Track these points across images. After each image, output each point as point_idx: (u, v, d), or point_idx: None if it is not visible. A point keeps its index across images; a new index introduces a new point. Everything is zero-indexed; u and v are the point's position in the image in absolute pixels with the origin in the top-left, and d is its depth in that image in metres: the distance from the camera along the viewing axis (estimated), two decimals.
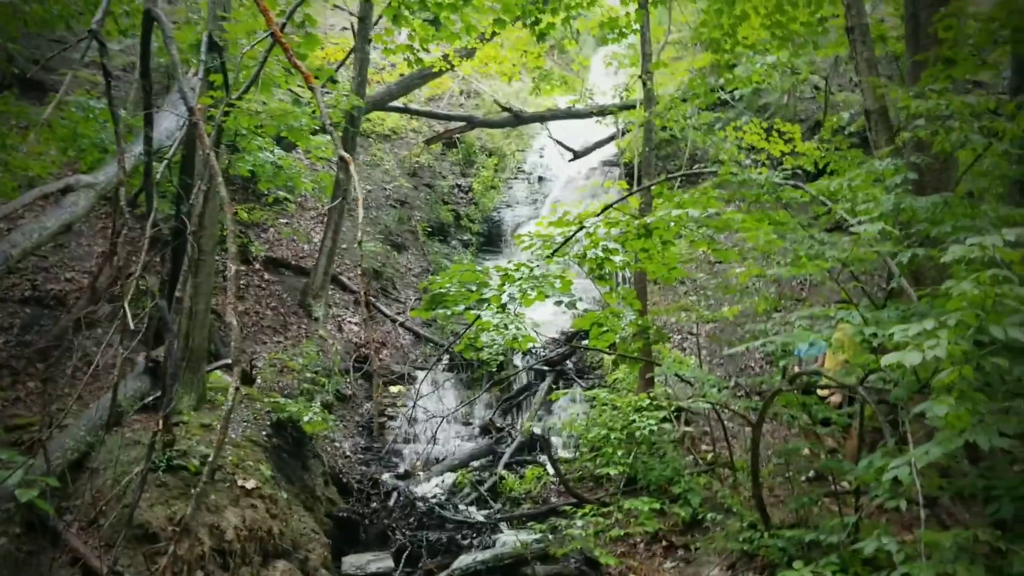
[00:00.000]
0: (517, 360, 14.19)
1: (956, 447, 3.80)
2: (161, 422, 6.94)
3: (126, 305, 5.60)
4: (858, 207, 5.80)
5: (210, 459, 6.20)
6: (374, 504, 10.41)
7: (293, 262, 14.61)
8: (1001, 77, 12.16)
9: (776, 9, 10.19)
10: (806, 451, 7.79)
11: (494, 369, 12.50)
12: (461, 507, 10.51)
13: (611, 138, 19.42)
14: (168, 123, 11.24)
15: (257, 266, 13.73)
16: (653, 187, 10.35)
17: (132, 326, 5.64)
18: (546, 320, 14.69)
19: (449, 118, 20.40)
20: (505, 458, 11.61)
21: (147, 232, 6.26)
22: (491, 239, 19.95)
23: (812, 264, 5.49)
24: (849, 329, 7.31)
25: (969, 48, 6.27)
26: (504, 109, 19.50)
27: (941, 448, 3.70)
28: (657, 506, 8.11)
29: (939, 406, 3.57)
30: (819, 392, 7.93)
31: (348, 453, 11.60)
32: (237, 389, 6.18)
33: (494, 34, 14.16)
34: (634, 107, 14.82)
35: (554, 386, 13.34)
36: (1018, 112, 4.99)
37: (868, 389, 5.51)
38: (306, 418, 9.40)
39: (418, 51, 9.66)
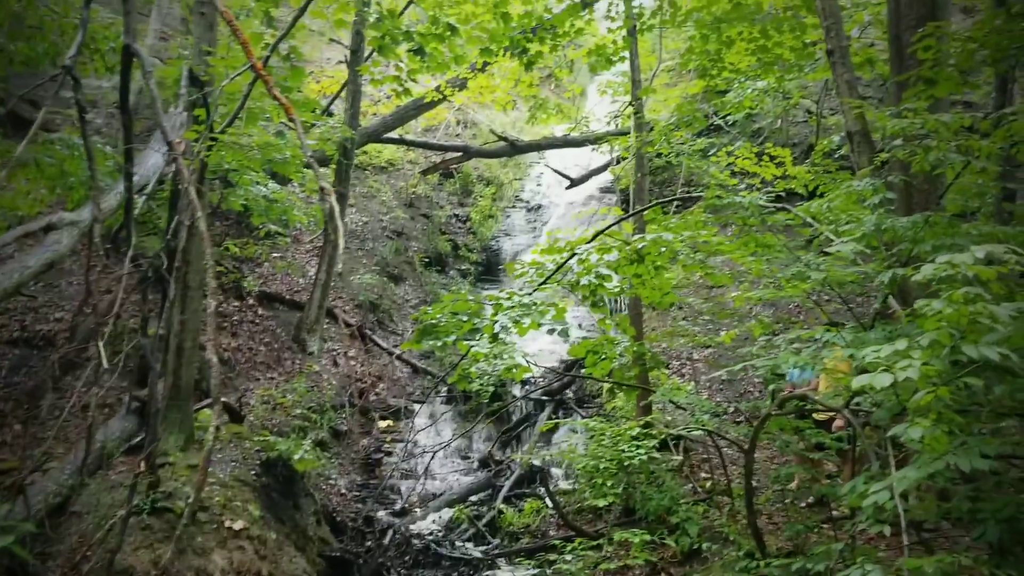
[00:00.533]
0: (516, 391, 14.11)
1: (938, 470, 3.73)
2: (144, 463, 6.90)
3: (100, 345, 5.58)
4: (841, 228, 5.77)
5: (190, 500, 6.14)
6: (368, 543, 10.30)
7: (287, 296, 14.60)
8: (991, 97, 12.17)
9: (761, 35, 10.24)
10: (799, 477, 7.70)
11: (487, 400, 12.43)
12: (458, 544, 10.41)
13: (607, 165, 19.49)
14: (155, 160, 11.31)
15: (251, 301, 13.72)
16: (646, 212, 10.34)
17: (107, 365, 5.61)
18: (545, 349, 14.64)
19: (445, 148, 20.50)
20: (504, 492, 11.51)
21: (125, 269, 6.24)
22: (490, 268, 19.95)
23: (792, 287, 5.45)
24: (842, 352, 7.27)
25: (951, 68, 6.27)
26: (500, 138, 19.60)
27: (921, 472, 3.63)
28: (648, 537, 7.99)
29: (914, 429, 3.51)
30: (817, 416, 7.85)
31: (343, 491, 11.51)
32: (218, 428, 6.15)
33: (486, 64, 14.23)
34: (628, 134, 14.86)
35: (554, 416, 13.24)
36: (993, 130, 4.98)
37: (856, 412, 5.45)
38: (297, 456, 9.33)
39: (405, 81, 9.70)
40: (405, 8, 13.55)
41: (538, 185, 22.92)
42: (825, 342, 5.48)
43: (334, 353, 14.20)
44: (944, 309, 3.49)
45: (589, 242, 8.43)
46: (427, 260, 18.80)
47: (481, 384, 10.66)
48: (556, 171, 20.39)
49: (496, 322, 7.60)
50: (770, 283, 6.28)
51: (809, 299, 6.14)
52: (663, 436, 8.81)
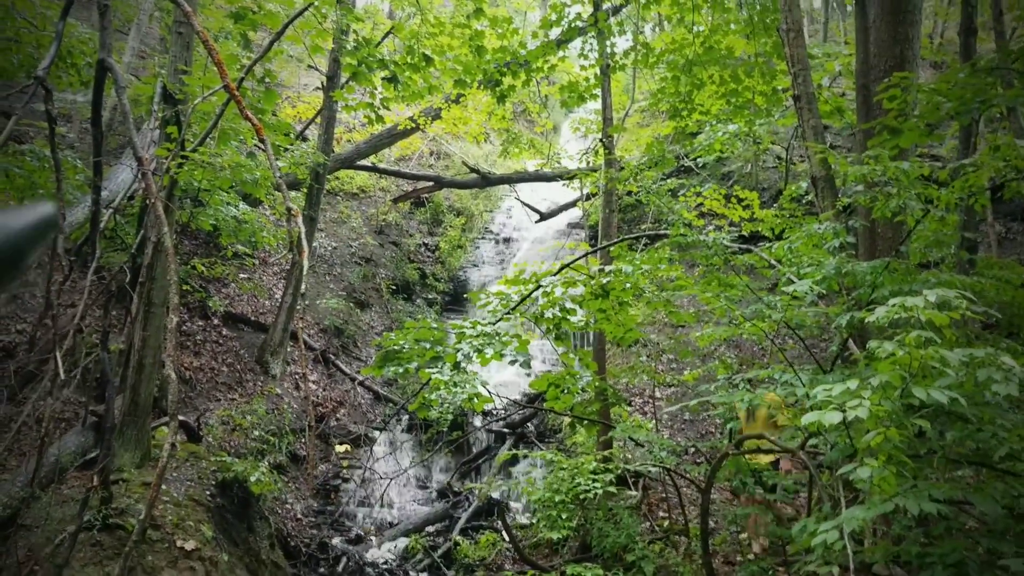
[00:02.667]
0: (477, 421, 14.05)
1: (888, 511, 3.76)
2: (97, 479, 6.76)
3: (58, 357, 5.48)
4: (804, 270, 5.85)
5: (141, 517, 6.02)
6: (322, 569, 10.15)
7: (253, 318, 14.47)
8: (959, 150, 12.47)
9: (731, 78, 10.42)
10: (755, 518, 7.71)
11: (446, 429, 12.36)
12: (412, 574, 10.28)
13: (577, 201, 19.67)
14: (125, 175, 11.23)
15: (215, 321, 13.58)
16: (613, 249, 10.43)
17: (64, 377, 5.51)
18: (508, 381, 14.62)
19: (417, 178, 20.57)
20: (461, 523, 11.40)
21: (87, 282, 6.15)
22: (457, 298, 19.94)
23: (751, 326, 5.50)
24: (773, 396, 7.38)
25: (916, 119, 6.41)
26: (472, 170, 19.72)
27: (869, 512, 3.66)
28: (602, 574, 7.94)
29: (863, 469, 3.54)
30: (758, 461, 7.89)
31: (299, 515, 11.35)
32: (173, 446, 6.05)
33: (460, 96, 14.34)
34: (599, 171, 15.02)
35: (514, 449, 13.18)
36: (951, 180, 5.09)
37: (813, 454, 5.49)
38: (253, 478, 9.20)
39: (379, 108, 9.74)
40: (384, 38, 13.65)
41: (508, 218, 23.04)
42: (782, 382, 5.53)
43: (296, 376, 14.07)
44: (896, 351, 3.54)
45: (555, 275, 8.47)
46: (394, 287, 18.76)
47: (440, 412, 10.60)
48: (526, 205, 20.55)
49: (459, 350, 7.59)
50: (732, 322, 6.33)
51: (767, 339, 6.19)
52: (620, 471, 8.80)
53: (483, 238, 22.15)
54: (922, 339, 3.46)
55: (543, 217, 20.40)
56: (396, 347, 7.90)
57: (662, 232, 9.37)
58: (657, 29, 22.45)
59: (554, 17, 10.48)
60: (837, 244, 5.35)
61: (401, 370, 7.69)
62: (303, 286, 6.01)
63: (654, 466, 8.33)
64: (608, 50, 10.45)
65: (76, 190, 10.69)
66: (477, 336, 7.51)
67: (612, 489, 8.54)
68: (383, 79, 8.76)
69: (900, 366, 3.64)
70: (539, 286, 8.31)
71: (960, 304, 3.51)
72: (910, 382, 3.54)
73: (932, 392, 3.38)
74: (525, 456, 12.45)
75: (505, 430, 13.72)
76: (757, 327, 5.44)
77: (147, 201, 8.61)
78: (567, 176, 16.80)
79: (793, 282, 5.74)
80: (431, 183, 20.15)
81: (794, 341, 11.86)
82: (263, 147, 6.56)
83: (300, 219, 6.26)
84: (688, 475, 8.62)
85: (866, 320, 3.86)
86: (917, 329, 3.65)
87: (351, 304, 17.05)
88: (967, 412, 3.96)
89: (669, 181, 14.22)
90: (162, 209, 6.60)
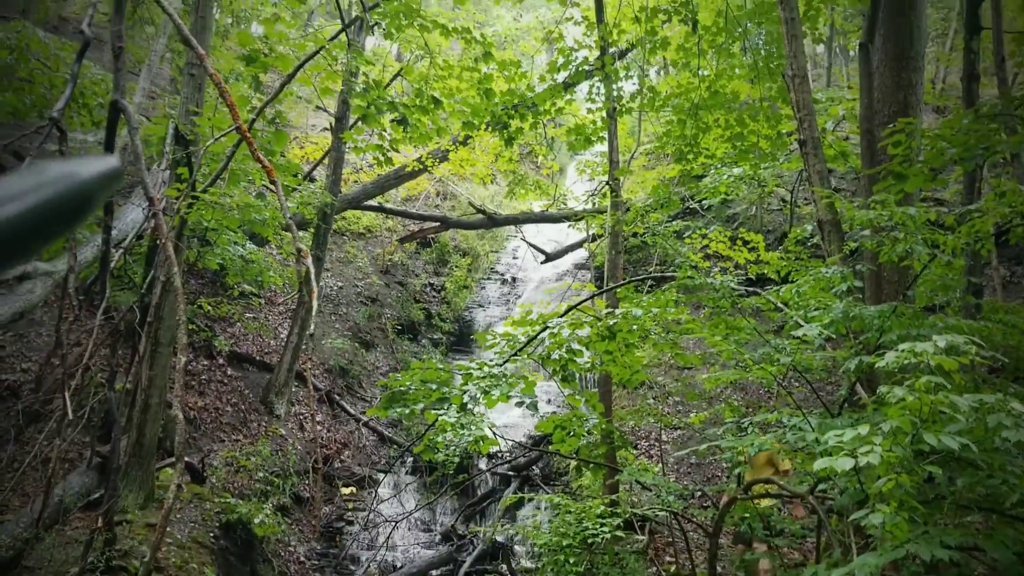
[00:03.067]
0: (482, 464, 13.99)
1: (898, 558, 3.74)
2: (101, 520, 6.74)
3: (67, 397, 5.50)
4: (811, 314, 5.86)
5: (145, 559, 5.99)
6: None
7: (258, 357, 14.49)
8: (963, 195, 12.56)
9: (736, 123, 10.53)
10: (765, 563, 7.64)
11: (452, 471, 12.29)
12: None
13: (583, 242, 19.73)
14: (135, 215, 11.32)
15: (220, 361, 13.60)
16: (619, 290, 10.45)
17: (71, 416, 5.52)
18: (513, 423, 14.56)
19: (423, 218, 20.69)
20: (465, 567, 11.29)
21: (97, 321, 6.19)
22: (462, 338, 19.95)
23: (759, 369, 5.50)
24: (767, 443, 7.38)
25: (920, 164, 6.47)
26: (478, 211, 19.82)
27: (881, 558, 3.64)
28: None
29: (875, 515, 3.53)
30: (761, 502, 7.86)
31: (302, 558, 11.26)
32: (179, 487, 6.03)
33: (468, 138, 14.49)
34: (605, 212, 15.12)
35: (519, 492, 13.09)
36: (958, 225, 5.13)
37: (822, 499, 5.45)
38: (257, 520, 9.16)
39: (388, 151, 9.85)
40: (392, 80, 13.84)
41: (514, 258, 23.14)
42: (791, 426, 5.52)
43: (301, 417, 14.04)
44: (906, 397, 3.54)
45: (561, 316, 8.50)
46: (400, 327, 18.78)
47: (447, 455, 10.57)
48: (532, 245, 20.62)
49: (465, 392, 7.59)
50: (739, 365, 6.34)
51: (776, 383, 6.19)
52: (628, 515, 8.73)
53: (489, 279, 22.23)
54: (932, 384, 3.47)
55: (549, 258, 20.45)
56: (402, 388, 7.90)
57: (668, 275, 9.42)
58: (662, 72, 22.74)
59: (561, 61, 10.63)
60: (845, 288, 5.37)
61: (407, 411, 7.69)
62: (311, 326, 6.04)
63: (662, 510, 8.27)
64: (615, 94, 10.58)
65: (85, 229, 10.79)
66: (484, 378, 7.51)
67: (620, 534, 8.48)
68: (393, 121, 8.87)
69: (910, 411, 3.64)
70: (546, 327, 8.33)
71: (970, 350, 3.52)
72: (921, 428, 3.54)
73: (943, 438, 3.38)
74: (530, 499, 12.38)
75: (510, 473, 13.64)
76: (766, 370, 5.45)
77: (158, 241, 8.69)
78: (573, 217, 16.89)
79: (801, 325, 5.76)
80: (437, 223, 20.26)
81: (799, 384, 11.85)
82: (273, 188, 6.65)
83: (310, 260, 6.32)
84: (696, 519, 8.55)
85: (876, 365, 3.87)
86: (926, 374, 3.66)
87: (356, 344, 17.06)
88: (977, 458, 3.95)
89: (674, 223, 14.31)
90: (172, 249, 6.67)
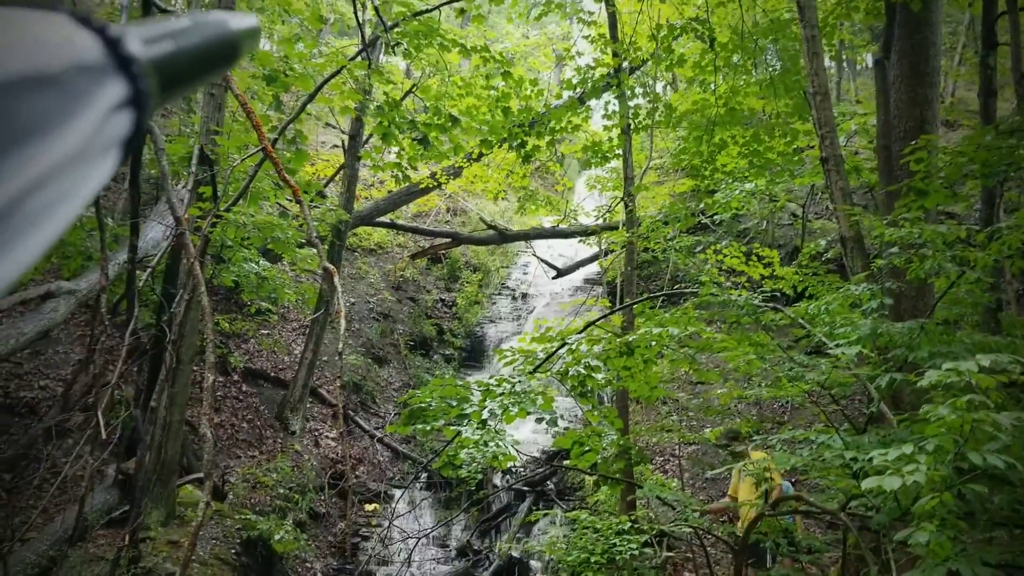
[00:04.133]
0: (496, 480, 13.98)
1: (939, 575, 3.74)
2: (128, 537, 6.75)
3: (100, 415, 5.52)
4: (836, 331, 5.88)
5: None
6: None
7: (272, 374, 14.52)
8: (973, 209, 12.58)
9: (753, 139, 10.56)
10: None
11: (473, 488, 12.28)
12: None
13: (594, 257, 19.76)
14: (154, 233, 11.37)
15: (235, 377, 13.63)
16: (635, 306, 10.46)
17: (104, 436, 5.54)
18: (527, 439, 14.54)
19: (435, 234, 20.74)
20: None
21: (126, 340, 6.22)
22: (474, 354, 19.96)
23: (791, 386, 5.52)
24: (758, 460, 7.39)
25: (940, 180, 6.50)
26: (489, 227, 19.86)
27: None
28: None
29: (921, 533, 3.54)
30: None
31: (319, 574, 11.24)
32: (208, 504, 6.05)
33: (481, 154, 14.55)
34: (617, 228, 15.15)
35: (534, 507, 13.07)
36: (988, 242, 5.15)
37: (852, 516, 5.45)
38: (277, 537, 9.16)
39: (406, 168, 9.89)
40: (404, 97, 13.89)
41: (524, 274, 23.16)
42: (820, 443, 5.52)
43: (316, 433, 14.05)
44: (948, 416, 3.55)
45: (580, 332, 8.52)
46: (412, 343, 18.80)
47: (468, 471, 10.56)
48: (543, 261, 20.65)
49: (485, 408, 7.61)
50: (765, 382, 6.35)
51: (809, 400, 6.20)
52: (653, 531, 8.73)
53: (500, 294, 22.26)
54: (975, 402, 3.48)
55: (560, 273, 20.49)
56: (423, 404, 7.90)
57: (686, 291, 9.43)
58: (668, 88, 22.79)
59: (577, 79, 10.68)
60: (875, 305, 5.39)
61: (428, 428, 7.70)
62: (341, 344, 6.07)
63: (686, 526, 8.26)
64: (630, 111, 10.62)
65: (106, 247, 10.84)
66: (507, 394, 7.52)
67: (648, 551, 8.48)
68: (413, 139, 8.93)
69: (949, 429, 3.65)
70: (564, 343, 8.35)
71: (1015, 369, 3.54)
72: (963, 446, 3.55)
73: (988, 457, 3.39)
74: (545, 515, 12.35)
75: (524, 488, 13.63)
76: (800, 387, 5.46)
77: (185, 260, 8.73)
78: (585, 233, 16.92)
79: (826, 343, 5.77)
80: (448, 239, 20.31)
81: (814, 401, 11.80)
82: (300, 207, 6.69)
83: (337, 278, 6.36)
84: (720, 535, 8.54)
85: (917, 384, 3.88)
86: (965, 391, 3.67)
87: (369, 360, 17.09)
88: (1016, 476, 3.96)
89: (686, 238, 14.33)
90: (198, 267, 6.71)
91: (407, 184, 15.84)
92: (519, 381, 7.89)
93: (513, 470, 13.91)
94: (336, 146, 21.75)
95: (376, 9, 8.44)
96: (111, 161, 0.42)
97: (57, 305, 9.11)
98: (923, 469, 3.42)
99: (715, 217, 14.18)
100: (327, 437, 14.16)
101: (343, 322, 6.03)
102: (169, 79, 0.46)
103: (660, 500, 10.53)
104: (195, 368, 10.31)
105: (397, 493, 13.30)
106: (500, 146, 11.40)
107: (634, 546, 7.99)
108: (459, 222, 23.34)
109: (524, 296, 22.11)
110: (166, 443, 8.51)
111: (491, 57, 9.34)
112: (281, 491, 11.33)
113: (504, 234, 19.77)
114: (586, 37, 10.95)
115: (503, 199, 21.20)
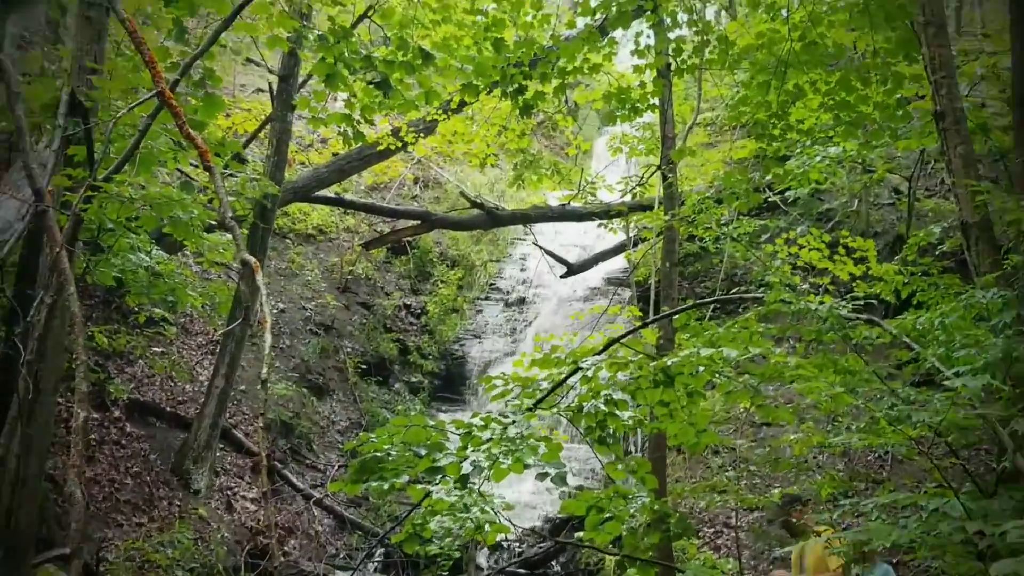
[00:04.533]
0: (481, 559, 13.98)
1: None
2: None
3: None
4: (955, 354, 5.87)
5: None
6: None
7: (168, 409, 14.50)
8: None
9: (840, 86, 10.51)
10: None
11: (447, 571, 12.26)
12: None
13: (619, 248, 19.71)
14: (6, 211, 11.31)
15: (117, 413, 13.59)
16: (676, 317, 10.45)
17: None
18: (524, 501, 14.56)
19: (398, 214, 20.71)
20: None
21: None
22: (450, 382, 19.99)
23: (893, 432, 5.50)
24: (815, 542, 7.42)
25: None
26: (474, 205, 19.79)
27: None
28: None
29: None
30: None
31: None
32: None
33: (463, 104, 14.51)
34: (651, 208, 15.13)
35: None
36: None
37: None
38: None
39: (359, 122, 9.87)
40: (357, 23, 13.79)
41: (522, 271, 23.15)
42: (931, 510, 5.51)
43: (229, 493, 14.04)
44: None
45: (599, 353, 8.49)
46: (364, 367, 18.80)
47: (442, 547, 10.53)
48: (548, 252, 20.58)
49: (466, 458, 7.58)
50: (856, 425, 6.33)
51: (917, 451, 6.18)
52: None
53: (487, 298, 22.26)
54: None
55: (572, 270, 20.41)
56: (379, 453, 7.86)
57: (746, 296, 9.42)
58: (725, 15, 22.80)
59: (596, 0, 10.63)
60: (1009, 319, 5.40)
61: (386, 486, 7.65)
62: (265, 368, 6.05)
63: None
64: (671, 45, 10.59)
65: None
66: (496, 440, 7.50)
67: None
68: (368, 83, 8.91)
69: None
70: (578, 368, 8.31)
71: None
72: None
73: None
74: None
75: (521, 570, 13.64)
76: (904, 432, 5.45)
77: (38, 249, 8.71)
78: (607, 215, 16.84)
79: (941, 371, 5.76)
80: (417, 222, 20.27)
81: (922, 450, 11.76)
82: (209, 175, 6.67)
83: (260, 276, 6.35)
84: None
85: None
86: None
87: (304, 390, 17.09)
88: None
89: (746, 222, 14.29)
90: (67, 260, 6.69)
91: (359, 145, 15.77)
92: (514, 421, 7.86)
93: (505, 545, 13.92)
94: (261, 90, 21.72)
95: None
96: None
97: None
98: None
99: (787, 193, 14.16)
100: (244, 498, 14.14)
101: (268, 337, 6.01)
102: None
103: None
104: (60, 400, 10.25)
105: None
106: (489, 92, 11.36)
107: None
108: (431, 197, 23.36)
109: (521, 301, 22.12)
110: (17, 507, 8.46)
111: None
112: (179, 573, 11.31)
113: (494, 215, 19.73)
114: None
115: (493, 166, 21.12)
